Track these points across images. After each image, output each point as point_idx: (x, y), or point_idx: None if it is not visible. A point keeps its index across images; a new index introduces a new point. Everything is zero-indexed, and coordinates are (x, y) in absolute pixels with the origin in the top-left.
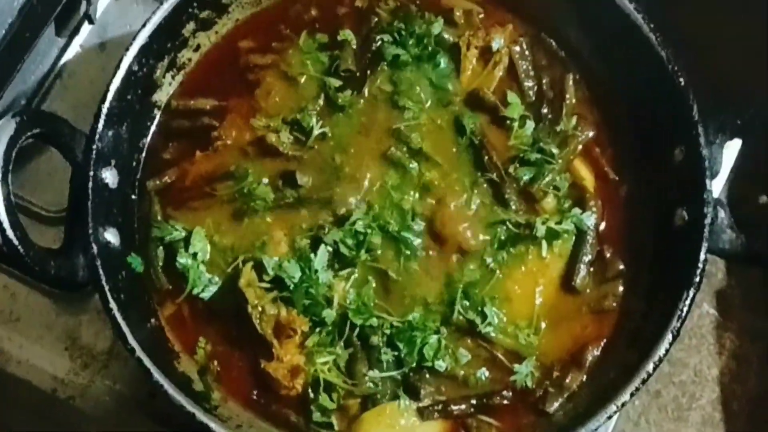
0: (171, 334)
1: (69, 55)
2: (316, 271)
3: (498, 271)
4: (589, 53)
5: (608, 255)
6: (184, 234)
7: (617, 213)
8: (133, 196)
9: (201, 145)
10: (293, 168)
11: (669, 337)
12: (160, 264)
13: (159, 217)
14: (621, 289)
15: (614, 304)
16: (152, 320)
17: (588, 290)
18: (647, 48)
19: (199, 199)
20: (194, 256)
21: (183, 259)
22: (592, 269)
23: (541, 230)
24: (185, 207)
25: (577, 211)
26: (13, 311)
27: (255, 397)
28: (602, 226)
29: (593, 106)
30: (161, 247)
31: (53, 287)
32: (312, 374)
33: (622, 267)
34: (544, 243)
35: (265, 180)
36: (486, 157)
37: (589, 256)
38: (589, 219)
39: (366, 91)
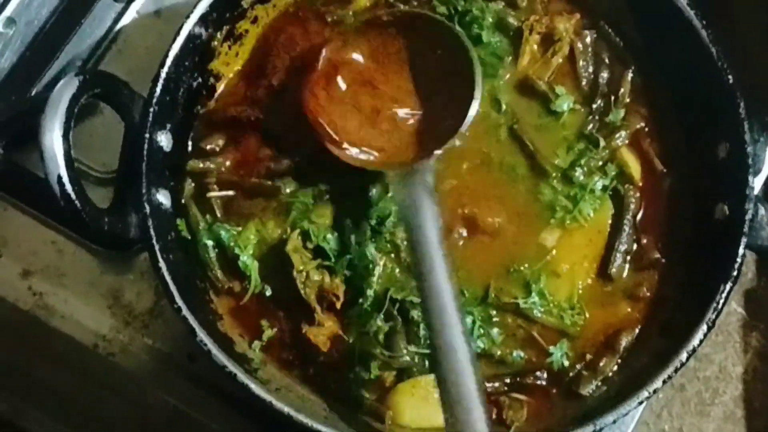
0: (215, 296)
1: (125, 20)
2: (359, 243)
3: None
4: (640, 47)
5: (644, 243)
6: (232, 234)
7: (658, 203)
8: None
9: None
10: None
11: (704, 328)
12: (212, 256)
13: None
14: (656, 278)
15: (648, 293)
16: (197, 282)
17: (623, 276)
18: (698, 44)
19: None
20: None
21: (244, 258)
22: (629, 257)
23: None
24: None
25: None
26: (59, 267)
27: (293, 361)
28: (640, 215)
29: (642, 99)
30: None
31: (103, 245)
32: (351, 343)
33: (657, 256)
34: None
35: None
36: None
37: (625, 245)
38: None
39: None
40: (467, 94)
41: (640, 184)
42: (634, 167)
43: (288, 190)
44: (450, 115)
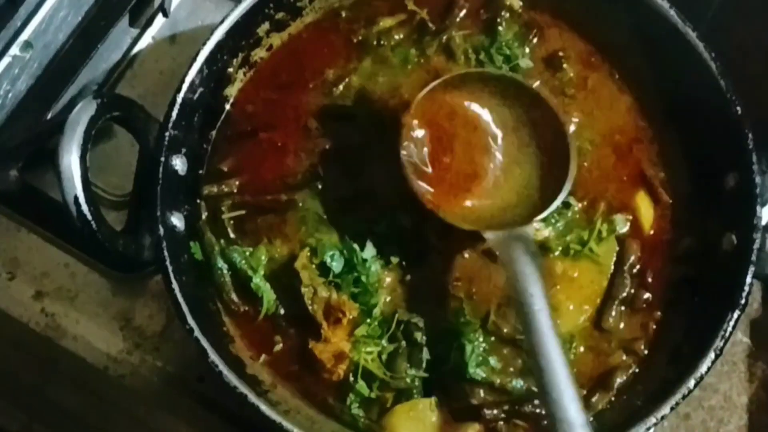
0: (226, 318)
1: (141, 45)
2: (365, 260)
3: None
4: (649, 78)
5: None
6: (245, 255)
7: (664, 231)
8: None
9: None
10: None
11: (711, 355)
12: (227, 279)
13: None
14: (645, 343)
15: (643, 348)
16: (209, 304)
17: (620, 328)
18: (706, 76)
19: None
20: (265, 277)
21: (257, 279)
22: (623, 308)
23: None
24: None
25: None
26: (72, 289)
27: (297, 376)
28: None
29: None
30: (226, 268)
31: (116, 267)
32: (355, 362)
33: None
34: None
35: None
36: None
37: (624, 294)
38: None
39: None
40: (559, 160)
41: (651, 232)
42: (645, 215)
43: (301, 203)
44: (544, 184)
